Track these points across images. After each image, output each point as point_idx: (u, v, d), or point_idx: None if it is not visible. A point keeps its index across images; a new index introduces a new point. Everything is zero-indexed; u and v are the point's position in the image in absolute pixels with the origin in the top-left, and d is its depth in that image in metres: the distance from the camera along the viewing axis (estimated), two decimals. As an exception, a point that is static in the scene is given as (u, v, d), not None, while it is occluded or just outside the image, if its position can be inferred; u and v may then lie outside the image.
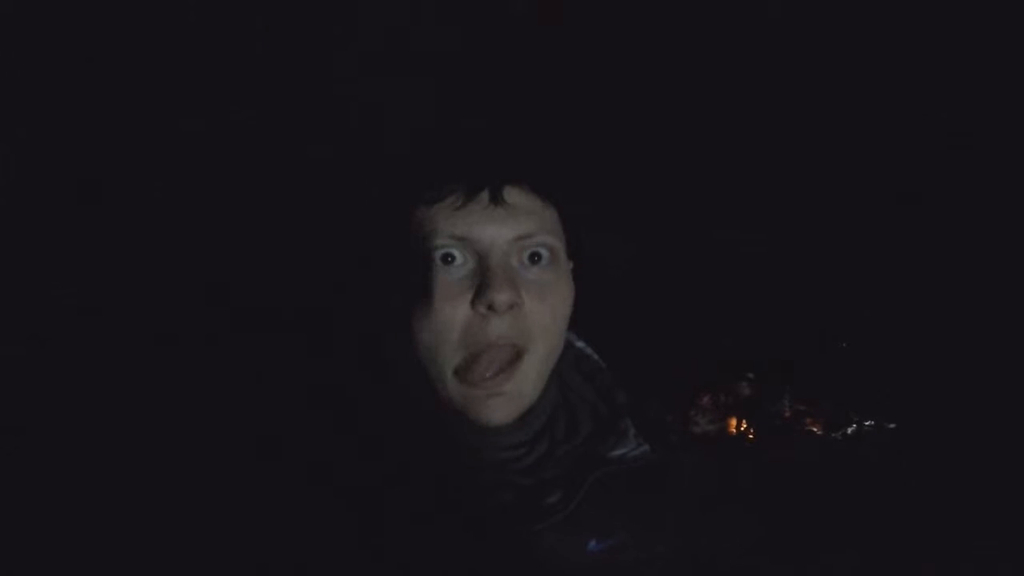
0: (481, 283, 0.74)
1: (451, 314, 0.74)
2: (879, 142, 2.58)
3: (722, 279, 2.54)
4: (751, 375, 2.87)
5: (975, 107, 2.51)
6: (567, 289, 0.82)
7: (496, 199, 0.77)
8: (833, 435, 2.93)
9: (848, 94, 2.52)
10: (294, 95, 2.12)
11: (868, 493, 2.30)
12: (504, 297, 0.72)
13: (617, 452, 0.83)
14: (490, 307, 0.73)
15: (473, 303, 0.74)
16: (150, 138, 2.11)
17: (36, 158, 2.00)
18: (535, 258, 0.78)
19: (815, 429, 2.96)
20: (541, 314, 0.77)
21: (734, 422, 2.93)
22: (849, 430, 2.92)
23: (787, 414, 2.92)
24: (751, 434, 2.87)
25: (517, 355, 0.76)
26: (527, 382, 0.77)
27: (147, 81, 2.05)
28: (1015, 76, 2.44)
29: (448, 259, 0.76)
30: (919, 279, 2.59)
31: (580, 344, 0.96)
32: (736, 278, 2.56)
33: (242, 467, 0.78)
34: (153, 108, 2.07)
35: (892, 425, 2.87)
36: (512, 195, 0.78)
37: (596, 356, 0.96)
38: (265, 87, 2.12)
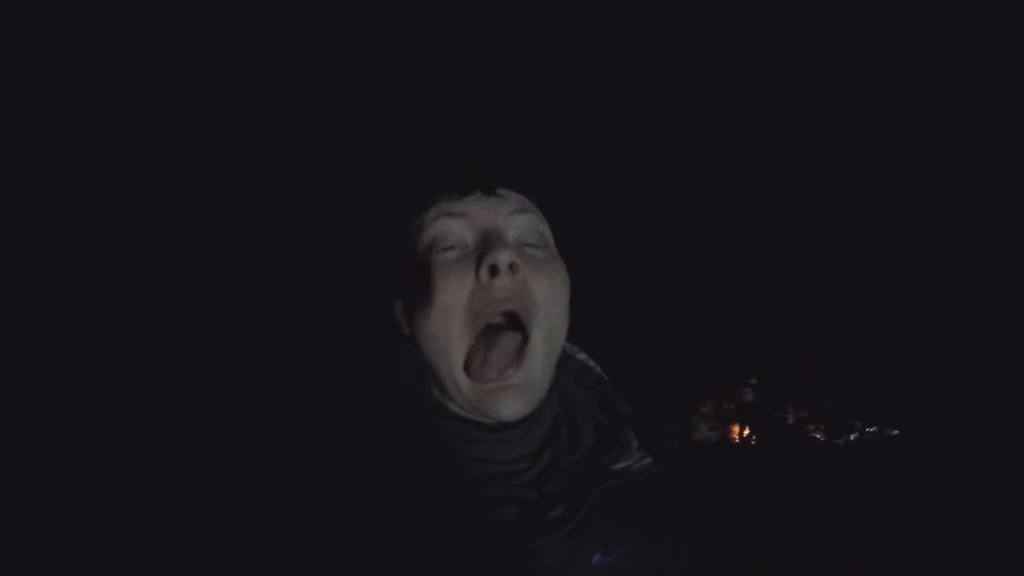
0: (482, 253, 0.77)
1: (456, 287, 0.77)
2: (881, 145, 2.57)
3: (726, 286, 2.54)
4: (754, 381, 2.86)
5: (975, 107, 2.49)
6: (562, 268, 0.84)
7: (489, 192, 0.82)
8: (836, 441, 2.92)
9: (851, 94, 2.51)
10: (296, 105, 2.12)
11: (871, 499, 2.29)
12: (505, 256, 0.76)
13: (620, 465, 0.83)
14: (493, 268, 0.75)
15: (477, 272, 0.77)
16: (153, 139, 2.11)
17: (36, 160, 2.00)
18: (529, 242, 0.82)
19: (818, 435, 2.96)
20: (540, 283, 0.79)
21: (737, 429, 2.92)
22: (852, 436, 2.91)
23: (790, 421, 2.91)
24: (754, 440, 2.86)
25: (522, 341, 0.78)
26: (536, 368, 0.79)
27: (146, 89, 2.05)
28: (1014, 77, 2.42)
29: (449, 247, 0.80)
30: (922, 286, 2.58)
31: (581, 356, 0.95)
32: (740, 285, 2.55)
33: (240, 470, 0.78)
34: (153, 113, 2.07)
35: (895, 431, 2.86)
36: (503, 190, 0.83)
37: (598, 368, 0.96)
38: (269, 93, 2.12)
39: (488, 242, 0.78)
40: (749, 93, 2.50)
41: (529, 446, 0.80)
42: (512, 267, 0.76)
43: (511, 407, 0.76)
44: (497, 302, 0.76)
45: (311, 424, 0.83)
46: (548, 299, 0.79)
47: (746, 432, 2.85)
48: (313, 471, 0.76)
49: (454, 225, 0.80)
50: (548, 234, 0.85)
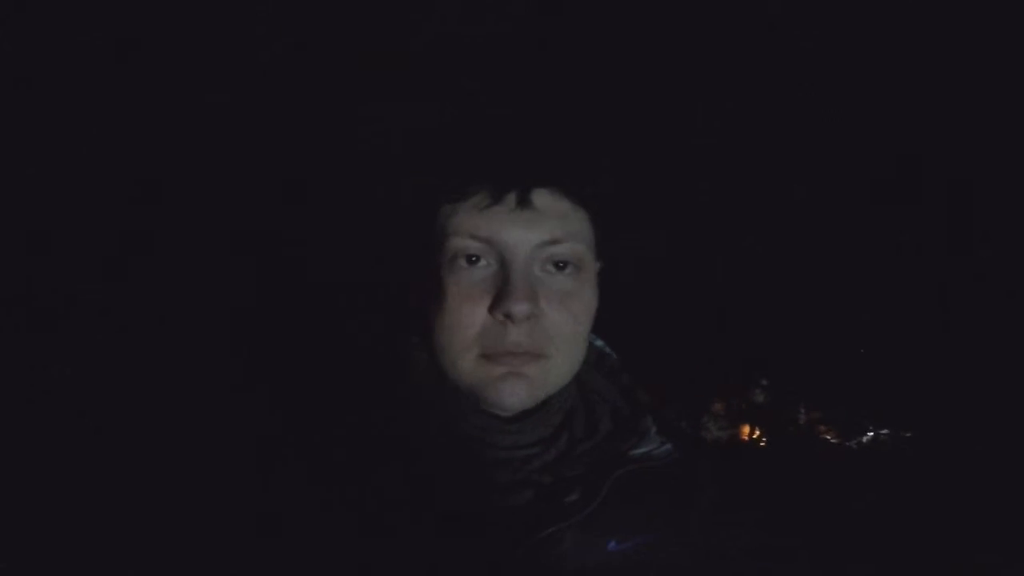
0: (501, 290, 0.72)
1: (469, 315, 0.73)
2: (887, 145, 2.57)
3: (739, 284, 2.53)
4: (765, 382, 2.84)
5: (974, 110, 2.49)
6: (591, 296, 0.79)
7: (523, 202, 0.74)
8: (848, 443, 2.90)
9: (858, 93, 2.51)
10: (318, 92, 2.12)
11: (884, 502, 2.28)
12: (523, 308, 0.70)
13: (640, 450, 0.80)
14: (508, 316, 0.71)
15: (492, 308, 0.72)
16: (152, 138, 2.11)
17: (37, 161, 2.00)
18: (560, 265, 0.76)
19: (830, 437, 2.93)
20: (562, 323, 0.74)
21: (747, 429, 2.90)
22: (864, 438, 2.88)
23: (802, 421, 2.89)
24: (763, 441, 2.84)
25: (537, 358, 0.74)
26: (551, 374, 0.76)
27: (174, 88, 2.06)
28: (1012, 80, 2.42)
29: (472, 260, 0.74)
30: (937, 287, 2.57)
31: (599, 343, 0.93)
32: (753, 283, 2.54)
33: (245, 468, 0.76)
34: (176, 112, 2.08)
35: (908, 434, 2.83)
36: (540, 197, 0.75)
37: (615, 355, 0.94)
38: (288, 85, 2.12)
39: (509, 281, 0.72)
40: (755, 93, 2.50)
41: (545, 431, 0.78)
42: (530, 318, 0.72)
43: (515, 397, 0.73)
44: (510, 343, 0.72)
45: (324, 415, 0.81)
46: (568, 334, 0.75)
47: (756, 432, 2.84)
48: (325, 459, 0.74)
49: (478, 247, 0.74)
50: (587, 256, 0.78)
